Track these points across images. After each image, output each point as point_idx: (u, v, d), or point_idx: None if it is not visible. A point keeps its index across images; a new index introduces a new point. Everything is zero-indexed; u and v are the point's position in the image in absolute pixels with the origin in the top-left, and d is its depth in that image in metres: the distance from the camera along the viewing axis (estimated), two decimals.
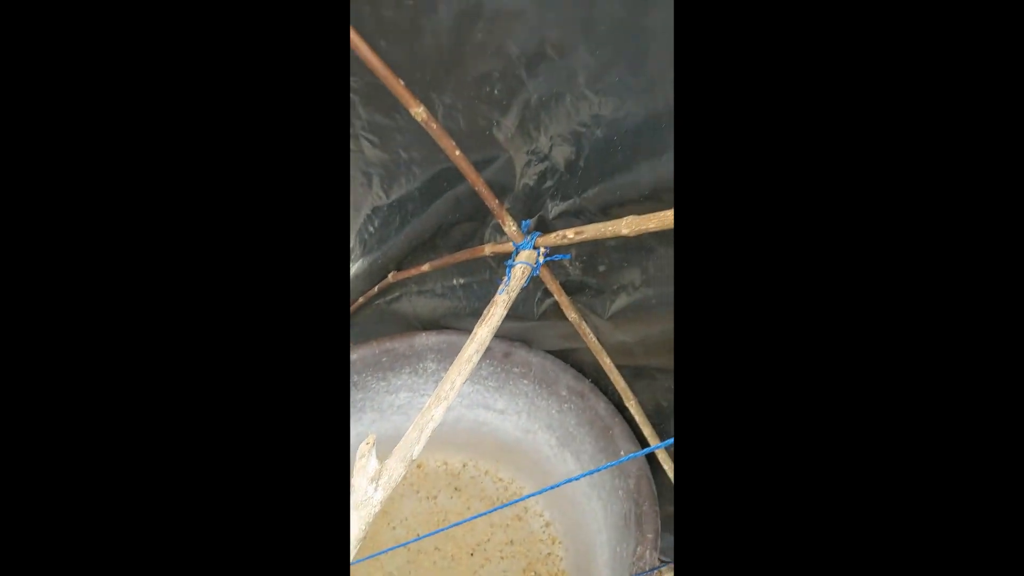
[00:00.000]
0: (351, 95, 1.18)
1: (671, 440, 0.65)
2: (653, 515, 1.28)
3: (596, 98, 0.93)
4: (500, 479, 1.86)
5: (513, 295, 1.03)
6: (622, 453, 1.43)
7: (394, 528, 1.77)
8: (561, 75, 0.93)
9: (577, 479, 0.91)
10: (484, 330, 0.98)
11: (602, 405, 1.51)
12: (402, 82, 0.94)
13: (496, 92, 1.03)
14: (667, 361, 1.24)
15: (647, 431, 1.41)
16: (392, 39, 1.01)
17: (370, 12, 0.98)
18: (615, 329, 1.21)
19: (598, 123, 0.95)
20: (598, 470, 0.92)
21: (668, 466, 1.43)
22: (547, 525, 1.77)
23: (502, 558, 1.71)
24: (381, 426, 1.75)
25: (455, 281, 1.53)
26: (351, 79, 1.14)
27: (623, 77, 0.88)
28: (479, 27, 0.93)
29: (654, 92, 0.88)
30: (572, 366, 1.57)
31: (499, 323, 1.00)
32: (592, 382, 1.54)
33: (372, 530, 1.69)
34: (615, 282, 1.13)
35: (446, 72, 1.03)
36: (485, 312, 1.02)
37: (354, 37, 0.88)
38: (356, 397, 1.68)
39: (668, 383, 1.31)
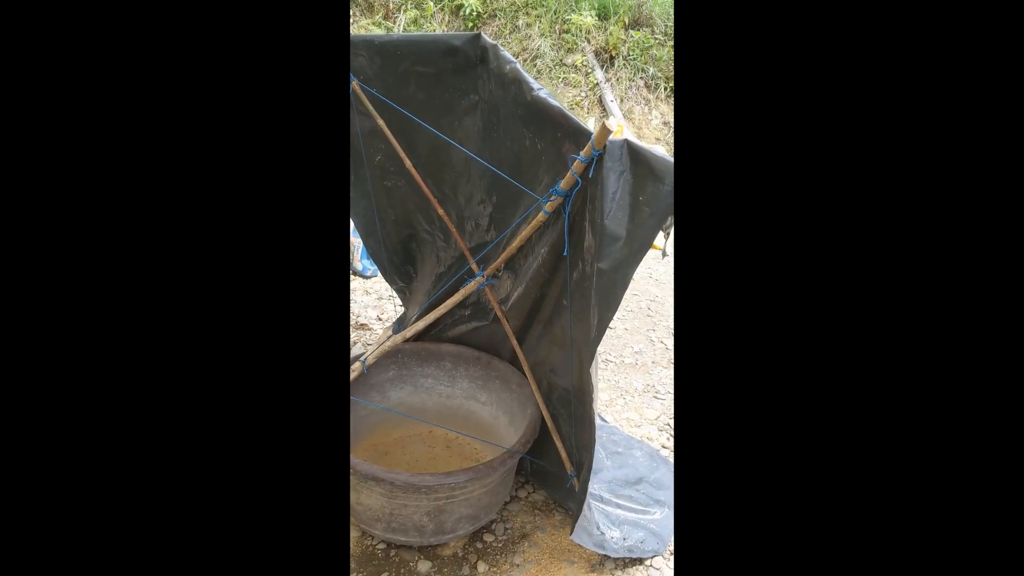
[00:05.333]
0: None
1: None
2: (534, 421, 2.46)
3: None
4: (475, 448, 3.02)
5: (467, 291, 2.40)
6: (528, 412, 2.62)
7: (405, 458, 2.97)
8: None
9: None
10: (450, 300, 2.35)
11: (528, 390, 2.72)
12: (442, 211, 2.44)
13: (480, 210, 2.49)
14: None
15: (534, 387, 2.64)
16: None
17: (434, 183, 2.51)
18: (510, 316, 2.51)
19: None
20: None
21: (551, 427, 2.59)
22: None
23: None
24: (414, 396, 3.03)
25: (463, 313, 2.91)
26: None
27: None
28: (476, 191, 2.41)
29: None
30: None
31: (460, 299, 2.37)
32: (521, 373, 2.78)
33: (388, 455, 2.91)
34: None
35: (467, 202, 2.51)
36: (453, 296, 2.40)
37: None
38: (401, 373, 3.00)
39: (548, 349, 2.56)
